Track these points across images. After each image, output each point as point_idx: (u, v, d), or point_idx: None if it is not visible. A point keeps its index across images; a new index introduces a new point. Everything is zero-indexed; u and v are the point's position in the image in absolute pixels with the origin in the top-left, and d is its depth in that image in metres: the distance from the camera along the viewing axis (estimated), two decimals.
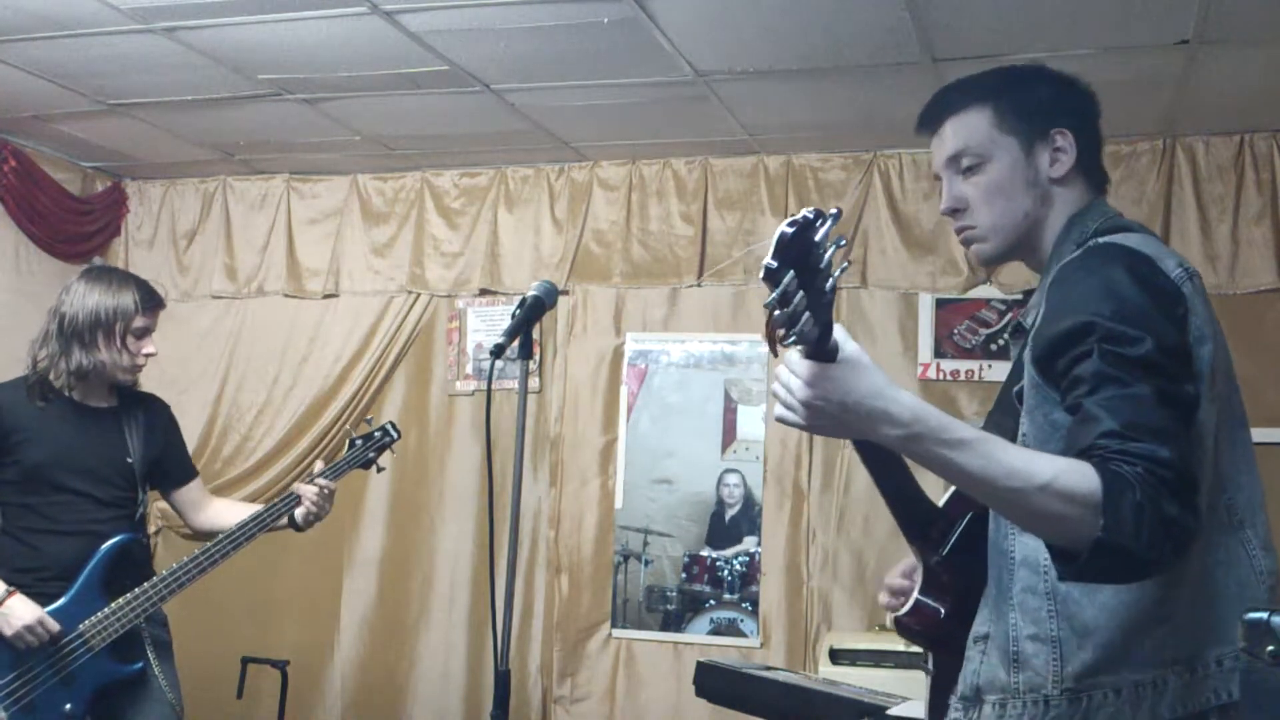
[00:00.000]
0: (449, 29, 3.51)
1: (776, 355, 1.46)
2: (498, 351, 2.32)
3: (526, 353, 2.44)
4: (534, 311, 2.45)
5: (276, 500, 3.33)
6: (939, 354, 4.37)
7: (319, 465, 3.47)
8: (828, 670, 3.73)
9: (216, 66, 3.87)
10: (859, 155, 4.47)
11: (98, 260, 4.86)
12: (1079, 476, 1.43)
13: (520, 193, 4.82)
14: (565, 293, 4.63)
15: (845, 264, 1.46)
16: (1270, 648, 1.59)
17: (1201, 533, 1.51)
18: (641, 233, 4.67)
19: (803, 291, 1.34)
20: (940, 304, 4.37)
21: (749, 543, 4.47)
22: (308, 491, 3.31)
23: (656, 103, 4.05)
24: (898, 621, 1.97)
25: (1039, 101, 1.81)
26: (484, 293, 4.82)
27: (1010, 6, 3.22)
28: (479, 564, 4.69)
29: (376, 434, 3.60)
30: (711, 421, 4.56)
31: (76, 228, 5.00)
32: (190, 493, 3.45)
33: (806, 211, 1.36)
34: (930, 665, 2.00)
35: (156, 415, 3.40)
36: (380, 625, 4.80)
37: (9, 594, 2.98)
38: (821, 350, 1.42)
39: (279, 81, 4.00)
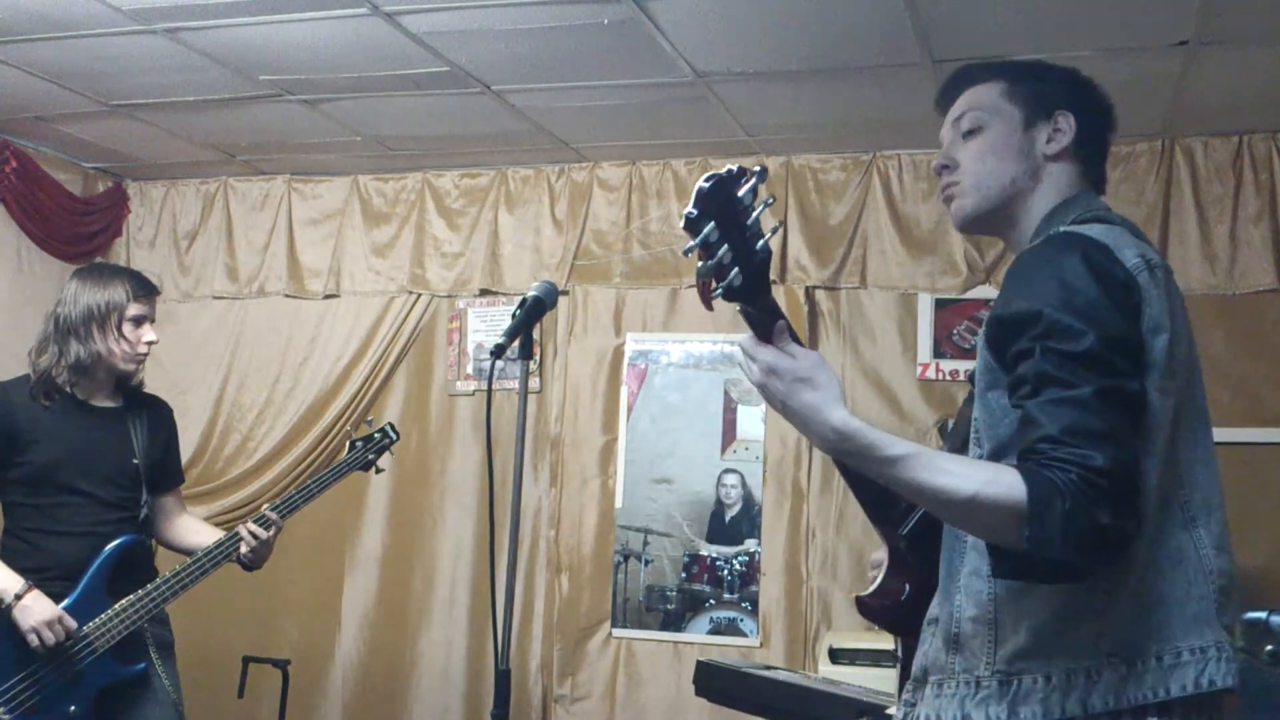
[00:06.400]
0: (449, 30, 3.52)
1: (709, 308, 1.55)
2: (498, 352, 2.32)
3: (527, 353, 2.44)
4: (534, 312, 2.45)
5: (223, 540, 3.25)
6: (938, 354, 4.38)
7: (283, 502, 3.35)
8: (827, 670, 3.74)
9: (218, 67, 3.87)
10: (858, 156, 4.46)
11: (98, 260, 4.87)
12: (1005, 488, 1.47)
13: (520, 193, 4.83)
14: (565, 293, 4.64)
15: (777, 225, 1.56)
16: (1269, 647, 1.60)
17: (1141, 535, 1.53)
18: (641, 233, 4.67)
19: (727, 244, 1.39)
20: (940, 304, 4.37)
21: (749, 543, 4.47)
22: (249, 537, 3.23)
23: (656, 103, 4.06)
24: (859, 601, 1.97)
25: (1050, 86, 1.85)
26: (484, 293, 4.82)
27: (1010, 7, 3.23)
28: (479, 563, 4.69)
29: (376, 435, 3.61)
30: (711, 421, 4.56)
31: (78, 228, 5.01)
32: (170, 501, 3.43)
33: (730, 166, 1.42)
34: (899, 652, 1.98)
35: (160, 417, 3.40)
36: (381, 624, 4.81)
37: (27, 589, 2.96)
38: (758, 308, 1.46)
39: (280, 82, 4.01)
